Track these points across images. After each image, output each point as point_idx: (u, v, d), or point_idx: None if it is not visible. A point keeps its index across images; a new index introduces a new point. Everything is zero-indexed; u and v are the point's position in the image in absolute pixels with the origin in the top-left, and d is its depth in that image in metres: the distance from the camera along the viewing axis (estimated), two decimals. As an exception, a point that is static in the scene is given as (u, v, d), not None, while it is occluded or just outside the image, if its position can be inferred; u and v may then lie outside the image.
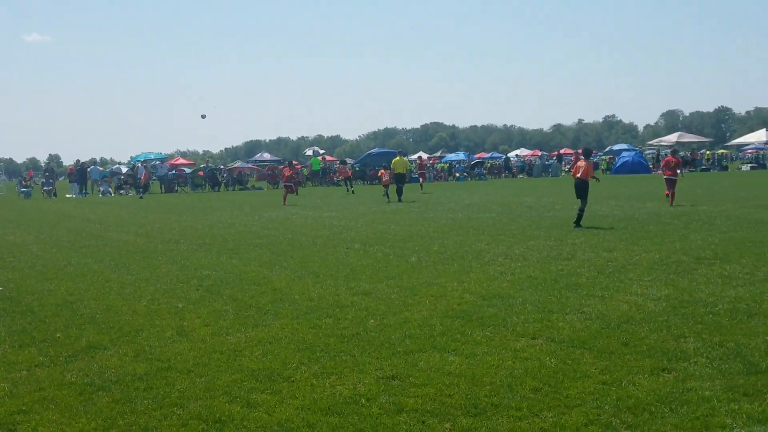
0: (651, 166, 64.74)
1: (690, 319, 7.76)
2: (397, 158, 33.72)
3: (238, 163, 76.21)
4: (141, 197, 43.51)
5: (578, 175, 17.99)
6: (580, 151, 22.80)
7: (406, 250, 14.17)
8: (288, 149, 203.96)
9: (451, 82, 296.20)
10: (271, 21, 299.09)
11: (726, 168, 66.66)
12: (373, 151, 73.83)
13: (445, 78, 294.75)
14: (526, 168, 70.84)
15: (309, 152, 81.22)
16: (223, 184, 56.38)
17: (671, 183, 24.20)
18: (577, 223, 17.35)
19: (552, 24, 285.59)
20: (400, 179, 31.98)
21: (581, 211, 17.52)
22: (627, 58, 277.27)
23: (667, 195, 24.20)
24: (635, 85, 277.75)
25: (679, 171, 24.90)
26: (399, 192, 31.47)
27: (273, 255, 14.21)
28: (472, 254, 13.28)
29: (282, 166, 44.29)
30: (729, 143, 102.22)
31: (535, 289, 9.73)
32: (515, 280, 10.47)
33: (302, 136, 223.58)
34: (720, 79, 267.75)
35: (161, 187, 54.20)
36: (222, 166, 71.30)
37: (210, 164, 68.93)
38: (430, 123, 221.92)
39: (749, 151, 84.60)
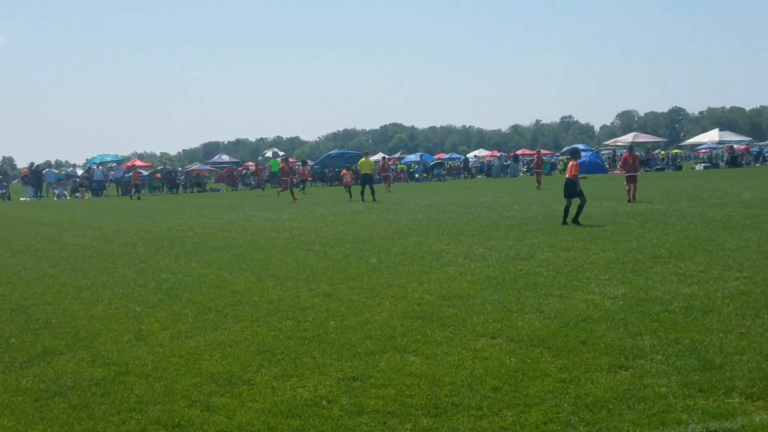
0: (607, 166, 65.73)
1: (646, 317, 7.88)
2: (363, 159, 34.20)
3: (196, 165, 75.54)
4: (137, 197, 43.79)
5: (568, 175, 18.32)
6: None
7: (366, 252, 14.17)
8: (247, 151, 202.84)
9: (410, 83, 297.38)
10: (228, 22, 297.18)
11: (680, 167, 67.90)
12: (332, 152, 73.80)
13: (404, 79, 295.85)
14: (484, 169, 71.37)
15: (268, 154, 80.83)
16: (181, 186, 55.81)
17: (631, 179, 25.33)
18: (575, 219, 17.53)
19: (510, 25, 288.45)
20: (367, 180, 32.49)
21: (579, 208, 17.73)
22: (583, 60, 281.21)
23: (628, 191, 25.18)
24: (592, 86, 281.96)
25: (638, 166, 26.20)
26: (371, 192, 32.03)
27: (232, 257, 14.11)
28: (432, 255, 13.33)
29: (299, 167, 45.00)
30: (683, 143, 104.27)
31: (495, 289, 9.80)
32: (475, 280, 10.53)
33: (261, 138, 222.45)
34: (674, 80, 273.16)
35: (118, 190, 53.46)
36: (179, 168, 70.60)
37: (167, 166, 68.11)
38: (390, 124, 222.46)
39: (702, 150, 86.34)
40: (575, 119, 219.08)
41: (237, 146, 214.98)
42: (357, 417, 5.41)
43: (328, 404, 5.69)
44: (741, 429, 4.84)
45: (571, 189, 17.91)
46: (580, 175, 18.11)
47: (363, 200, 31.67)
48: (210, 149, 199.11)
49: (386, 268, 12.01)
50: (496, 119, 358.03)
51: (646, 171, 62.21)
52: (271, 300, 9.76)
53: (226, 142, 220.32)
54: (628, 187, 25.38)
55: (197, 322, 8.63)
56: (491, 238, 15.42)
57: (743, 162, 66.28)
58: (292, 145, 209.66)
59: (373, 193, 32.36)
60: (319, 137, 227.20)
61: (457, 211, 23.64)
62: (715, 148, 77.23)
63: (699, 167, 66.32)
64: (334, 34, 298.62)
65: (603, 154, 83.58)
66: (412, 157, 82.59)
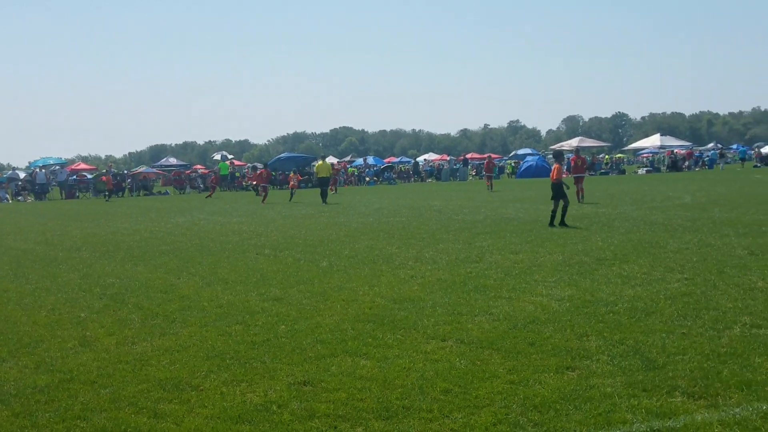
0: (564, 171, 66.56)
1: (592, 318, 8.02)
2: (320, 162, 34.65)
3: (142, 168, 74.41)
4: (107, 200, 43.73)
5: (552, 179, 18.36)
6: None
7: (317, 255, 14.14)
8: (195, 153, 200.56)
9: (361, 87, 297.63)
10: (176, 22, 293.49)
11: (623, 172, 69.25)
12: (282, 155, 73.38)
13: (355, 82, 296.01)
14: (434, 172, 71.79)
15: (217, 156, 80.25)
16: (127, 190, 54.91)
17: (579, 180, 26.76)
18: (562, 221, 17.66)
19: (458, 30, 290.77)
20: (323, 183, 33.07)
21: (564, 209, 17.82)
22: (530, 65, 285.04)
23: (577, 192, 26.33)
24: (538, 91, 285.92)
25: (586, 168, 27.75)
26: (323, 195, 32.45)
27: (180, 262, 13.94)
28: (382, 258, 13.37)
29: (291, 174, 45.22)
30: (626, 148, 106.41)
31: (445, 292, 9.87)
32: (425, 283, 10.59)
33: (210, 140, 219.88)
34: (617, 86, 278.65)
35: (61, 193, 52.36)
36: (125, 171, 69.51)
37: (113, 169, 66.95)
38: (340, 127, 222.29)
39: (645, 155, 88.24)
40: (522, 123, 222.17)
41: (185, 149, 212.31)
42: (307, 421, 5.40)
43: (278, 409, 5.66)
44: (683, 427, 4.97)
45: (557, 190, 17.95)
46: (559, 180, 18.04)
47: (325, 203, 32.01)
48: (157, 152, 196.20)
49: (337, 272, 12.00)
50: (445, 123, 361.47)
51: (591, 175, 63.29)
52: (220, 304, 9.67)
53: (173, 145, 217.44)
54: (576, 188, 26.43)
55: (144, 328, 8.51)
56: (441, 242, 15.53)
57: (684, 166, 67.92)
58: (242, 148, 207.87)
59: (325, 195, 32.80)
60: (269, 140, 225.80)
61: (407, 215, 23.73)
62: (656, 153, 78.97)
63: (641, 171, 67.88)
64: (282, 36, 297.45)
65: (550, 158, 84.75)
66: (361, 161, 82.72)
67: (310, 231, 19.30)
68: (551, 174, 18.48)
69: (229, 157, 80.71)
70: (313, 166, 65.27)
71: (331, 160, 79.54)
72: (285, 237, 17.91)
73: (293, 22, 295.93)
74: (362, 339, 7.58)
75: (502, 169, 73.72)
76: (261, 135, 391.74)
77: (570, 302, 8.89)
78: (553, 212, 17.97)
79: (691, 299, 8.77)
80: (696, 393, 5.56)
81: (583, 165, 27.96)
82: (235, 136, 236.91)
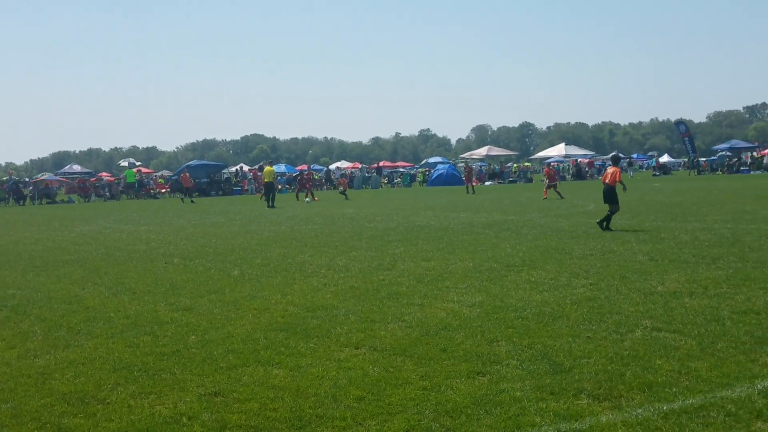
0: (464, 178, 67.74)
1: (502, 324, 8.18)
2: (267, 168, 36.93)
3: (45, 176, 71.83)
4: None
5: (607, 181, 18.22)
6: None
7: (228, 264, 13.94)
8: (100, 161, 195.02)
9: (272, 94, 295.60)
10: (79, 23, 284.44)
11: (531, 180, 71.05)
12: (191, 162, 72.11)
13: (266, 89, 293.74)
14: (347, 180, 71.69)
15: (124, 163, 78.25)
16: (28, 198, 52.86)
17: (552, 185, 34.09)
18: (606, 226, 17.45)
19: (369, 38, 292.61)
20: (269, 188, 35.28)
21: (611, 213, 17.69)
22: (440, 75, 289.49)
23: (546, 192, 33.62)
24: (448, 100, 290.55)
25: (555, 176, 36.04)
26: (271, 199, 34.55)
27: (85, 271, 13.52)
28: (295, 266, 13.29)
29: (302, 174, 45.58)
30: (533, 156, 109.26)
31: (358, 300, 9.89)
32: (338, 291, 10.59)
33: (115, 147, 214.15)
34: (524, 97, 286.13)
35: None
36: (27, 179, 66.93)
37: (14, 176, 64.35)
38: (251, 135, 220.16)
39: (551, 163, 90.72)
40: (433, 132, 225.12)
41: (89, 156, 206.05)
42: (219, 433, 5.32)
43: (188, 421, 5.55)
44: (589, 429, 5.12)
45: (612, 194, 17.80)
46: (620, 182, 17.94)
47: (273, 206, 33.73)
48: (60, 159, 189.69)
49: (249, 281, 11.87)
50: (357, 131, 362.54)
51: (500, 183, 64.74)
52: (127, 315, 9.42)
53: (77, 152, 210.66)
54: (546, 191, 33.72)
55: (47, 340, 8.21)
56: (354, 249, 15.56)
57: (587, 174, 70.20)
58: (149, 155, 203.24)
59: (273, 200, 34.75)
60: (177, 147, 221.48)
61: (320, 222, 23.69)
62: (561, 162, 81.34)
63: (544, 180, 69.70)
64: (190, 39, 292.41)
65: (459, 166, 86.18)
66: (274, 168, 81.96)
67: (221, 239, 19.02)
68: (611, 177, 18.04)
69: (137, 164, 78.88)
70: (226, 173, 64.48)
71: (231, 169, 78.69)
72: (195, 245, 17.60)
73: (202, 25, 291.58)
74: (274, 348, 7.52)
75: (413, 177, 74.54)
76: (169, 142, 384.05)
77: (480, 308, 9.04)
78: (610, 213, 17.72)
79: (596, 304, 9.05)
80: (601, 395, 5.74)
81: (553, 174, 35.50)
82: (143, 143, 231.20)
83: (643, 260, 12.41)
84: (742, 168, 67.72)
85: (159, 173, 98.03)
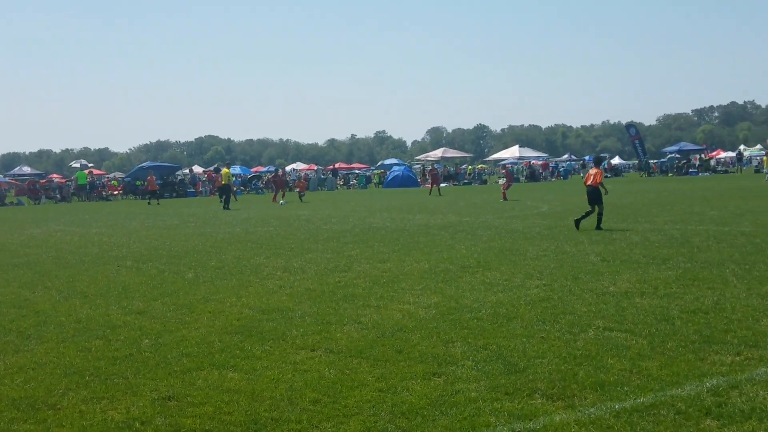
0: (419, 180, 68.14)
1: (457, 325, 8.23)
2: (225, 170, 37.46)
3: (-7, 177, 70.28)
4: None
5: (589, 183, 18.25)
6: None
7: (182, 266, 13.79)
8: (51, 162, 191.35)
9: (226, 95, 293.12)
10: (30, 22, 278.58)
11: (485, 182, 71.70)
12: (144, 164, 71.13)
13: (220, 90, 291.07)
14: (302, 182, 71.46)
15: (76, 165, 76.95)
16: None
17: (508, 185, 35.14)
18: (598, 226, 17.61)
19: (324, 39, 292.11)
20: (225, 189, 35.78)
21: (600, 215, 17.79)
22: (395, 77, 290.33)
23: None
24: (403, 102, 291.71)
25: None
26: (226, 201, 34.85)
27: (35, 275, 13.25)
28: (250, 268, 13.20)
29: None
30: (487, 158, 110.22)
31: (314, 302, 9.86)
32: (294, 293, 10.55)
33: (67, 149, 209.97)
34: (478, 99, 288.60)
35: None
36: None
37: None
38: (205, 136, 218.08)
39: (507, 165, 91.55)
40: (389, 134, 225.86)
41: (40, 157, 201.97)
42: (173, 437, 5.26)
43: (141, 426, 5.48)
44: (543, 428, 5.18)
45: (597, 195, 17.87)
46: (601, 185, 18.02)
47: (228, 209, 33.82)
48: (10, 160, 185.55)
49: (203, 283, 11.76)
50: (312, 133, 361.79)
51: (455, 185, 65.14)
52: (78, 319, 9.26)
53: (27, 153, 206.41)
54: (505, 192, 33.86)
55: (-5, 346, 8.03)
56: (310, 251, 15.51)
57: (541, 176, 71.05)
58: (101, 156, 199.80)
59: (228, 202, 34.92)
60: (130, 149, 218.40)
61: (275, 224, 23.57)
62: (515, 163, 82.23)
63: (502, 181, 70.32)
64: (142, 38, 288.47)
65: (415, 168, 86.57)
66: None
67: (175, 241, 18.81)
68: (593, 179, 18.13)
69: (89, 165, 77.63)
70: (180, 175, 63.83)
71: (185, 170, 78.02)
72: (148, 248, 17.37)
73: (155, 25, 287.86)
74: (230, 351, 7.46)
75: (369, 179, 74.62)
76: (122, 143, 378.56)
77: (436, 309, 9.09)
78: (586, 214, 17.96)
79: (549, 304, 9.16)
80: (554, 395, 5.81)
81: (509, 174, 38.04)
82: (95, 144, 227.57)
83: (595, 261, 12.60)
84: (690, 170, 69.24)
85: (111, 175, 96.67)
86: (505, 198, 33.51)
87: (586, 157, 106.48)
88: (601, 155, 24.85)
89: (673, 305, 8.79)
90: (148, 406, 5.87)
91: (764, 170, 48.61)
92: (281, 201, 38.84)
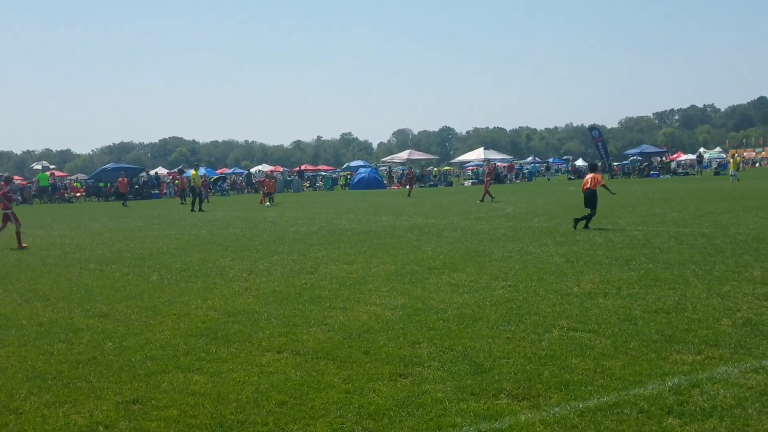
0: (386, 182, 68.23)
1: (423, 326, 8.26)
2: (194, 172, 37.56)
3: (-49, 178, 68.76)
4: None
5: (587, 187, 19.11)
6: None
7: (146, 269, 13.65)
8: (11, 164, 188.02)
9: (190, 96, 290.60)
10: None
11: (451, 183, 71.97)
12: (107, 166, 70.20)
13: (185, 91, 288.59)
14: (268, 183, 71.14)
15: (37, 167, 75.83)
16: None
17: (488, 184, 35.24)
18: (586, 225, 18.31)
19: (291, 41, 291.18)
20: (194, 191, 35.82)
21: (590, 216, 18.49)
22: (362, 79, 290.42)
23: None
24: (369, 104, 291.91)
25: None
26: (199, 203, 35.10)
27: (-5, 278, 13.01)
28: (216, 271, 13.12)
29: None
30: (453, 160, 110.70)
31: (280, 304, 9.83)
32: (260, 295, 10.50)
33: (28, 150, 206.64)
34: (444, 102, 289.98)
35: None
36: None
37: None
38: (170, 137, 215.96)
39: (470, 167, 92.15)
40: (355, 136, 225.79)
41: (0, 159, 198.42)
42: (138, 441, 5.21)
43: (105, 430, 5.42)
44: (508, 428, 5.22)
45: (593, 199, 18.81)
46: (604, 186, 19.26)
47: (201, 210, 34.04)
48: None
49: (168, 286, 11.65)
50: (278, 135, 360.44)
51: (421, 186, 65.33)
52: (41, 322, 9.12)
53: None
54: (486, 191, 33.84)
55: (-46, 350, 7.87)
56: (276, 253, 15.45)
57: (506, 178, 71.55)
58: (63, 158, 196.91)
59: (201, 203, 35.39)
60: (93, 150, 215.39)
61: (241, 226, 23.43)
62: (480, 165, 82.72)
63: (467, 183, 70.86)
64: (104, 37, 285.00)
65: (381, 170, 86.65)
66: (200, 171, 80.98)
67: (139, 244, 18.61)
68: (591, 183, 19.09)
69: (51, 167, 76.48)
70: (144, 176, 63.25)
71: (151, 172, 77.39)
72: (112, 250, 17.17)
73: (118, 25, 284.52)
74: (195, 354, 7.41)
75: (335, 181, 74.56)
76: (84, 144, 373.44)
77: (402, 311, 9.11)
78: (590, 216, 18.56)
79: (515, 305, 9.23)
80: (520, 394, 5.86)
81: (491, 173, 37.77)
82: (56, 146, 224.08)
83: (559, 262, 12.72)
84: (652, 172, 70.21)
85: (74, 177, 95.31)
86: (486, 196, 34.32)
87: (550, 160, 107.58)
88: (596, 162, 25.89)
89: (635, 305, 8.91)
90: (111, 410, 5.81)
91: (731, 172, 49.43)
92: (267, 203, 37.85)
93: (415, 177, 47.07)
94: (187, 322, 8.91)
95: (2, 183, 19.60)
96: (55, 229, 24.95)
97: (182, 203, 42.27)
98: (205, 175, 61.45)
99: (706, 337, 7.31)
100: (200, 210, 34.11)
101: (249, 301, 10.14)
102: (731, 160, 54.27)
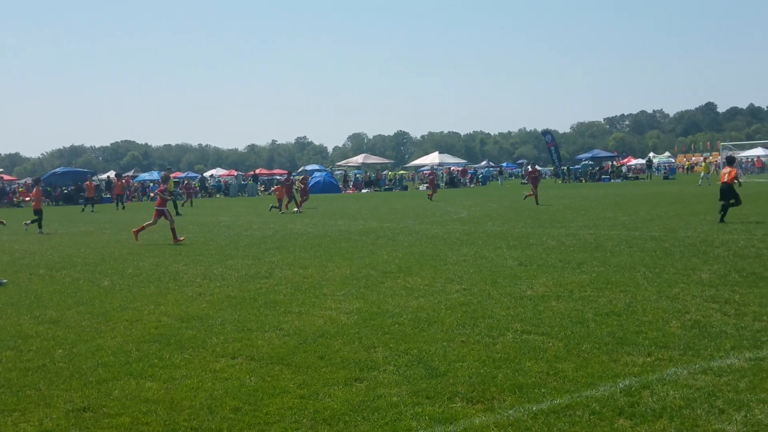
0: (341, 186, 68.21)
1: (379, 330, 8.27)
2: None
3: None
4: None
5: (725, 180, 20.07)
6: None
7: (97, 274, 13.43)
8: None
9: (142, 99, 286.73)
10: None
11: (406, 188, 72.24)
12: (58, 170, 68.97)
13: (136, 94, 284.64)
14: (222, 188, 70.84)
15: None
16: None
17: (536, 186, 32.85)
18: (722, 219, 19.26)
19: (245, 44, 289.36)
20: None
21: (730, 205, 19.50)
22: (316, 83, 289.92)
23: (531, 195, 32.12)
24: (324, 108, 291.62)
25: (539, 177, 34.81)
26: (175, 206, 34.47)
27: (-61, 284, 12.67)
28: (169, 275, 12.96)
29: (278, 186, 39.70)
30: (408, 164, 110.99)
31: (235, 309, 9.76)
32: (214, 300, 10.41)
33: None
34: (398, 106, 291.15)
35: None
36: None
37: None
38: (121, 141, 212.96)
39: (426, 171, 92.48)
40: (310, 140, 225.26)
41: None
42: (89, 450, 5.12)
43: (56, 439, 5.32)
44: (463, 431, 5.26)
45: (730, 192, 19.55)
46: (737, 180, 20.25)
47: (177, 214, 33.03)
48: None
49: (120, 291, 11.48)
50: (232, 138, 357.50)
51: (376, 191, 65.45)
52: (-13, 330, 8.91)
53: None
54: (531, 193, 32.21)
55: None
56: (230, 258, 15.33)
57: (460, 182, 72.07)
58: (12, 161, 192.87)
59: (175, 206, 34.27)
60: (42, 154, 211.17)
61: (195, 231, 23.19)
62: (436, 169, 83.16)
63: (423, 187, 71.11)
64: (54, 37, 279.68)
65: (337, 174, 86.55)
66: (146, 176, 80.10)
67: (90, 249, 18.30)
68: (729, 177, 20.00)
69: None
70: (96, 180, 62.29)
71: (101, 176, 76.29)
72: (62, 256, 16.85)
73: (70, 25, 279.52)
74: (147, 360, 7.31)
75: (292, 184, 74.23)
76: (34, 148, 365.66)
77: (358, 315, 9.11)
78: (723, 209, 19.45)
79: (469, 308, 9.30)
80: (474, 398, 5.91)
81: (539, 174, 35.45)
82: (5, 149, 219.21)
83: (513, 265, 12.85)
84: (603, 176, 71.35)
85: (23, 181, 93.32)
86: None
87: (504, 164, 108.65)
88: (734, 155, 27.84)
89: (587, 308, 9.05)
90: (62, 418, 5.70)
91: (702, 175, 50.55)
92: (294, 209, 33.55)
93: (435, 179, 46.72)
94: (139, 328, 8.79)
95: None
96: (4, 234, 24.39)
97: (117, 209, 41.83)
98: (186, 178, 60.88)
99: (656, 339, 7.44)
100: (177, 213, 33.39)
101: (203, 306, 10.04)
102: (703, 164, 56.68)
